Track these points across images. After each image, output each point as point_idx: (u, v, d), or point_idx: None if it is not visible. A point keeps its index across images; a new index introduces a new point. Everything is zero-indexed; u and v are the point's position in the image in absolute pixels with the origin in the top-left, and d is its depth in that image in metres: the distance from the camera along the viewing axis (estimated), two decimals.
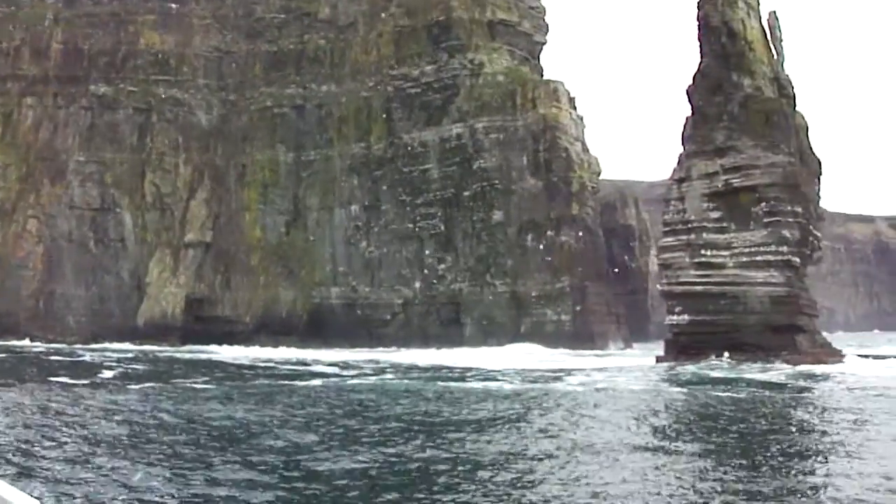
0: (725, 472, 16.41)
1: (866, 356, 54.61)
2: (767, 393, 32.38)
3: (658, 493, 14.32)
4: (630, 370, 47.23)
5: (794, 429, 23.90)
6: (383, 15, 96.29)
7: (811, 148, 57.96)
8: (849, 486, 14.99)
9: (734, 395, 31.60)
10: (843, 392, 33.54)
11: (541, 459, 17.96)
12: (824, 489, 15.01)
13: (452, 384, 38.39)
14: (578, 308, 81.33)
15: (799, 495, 14.79)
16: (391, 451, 19.23)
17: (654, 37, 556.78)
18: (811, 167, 56.98)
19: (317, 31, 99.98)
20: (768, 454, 18.93)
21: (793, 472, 17.18)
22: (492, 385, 37.29)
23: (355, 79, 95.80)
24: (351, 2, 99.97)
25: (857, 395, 32.18)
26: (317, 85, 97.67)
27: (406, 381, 40.54)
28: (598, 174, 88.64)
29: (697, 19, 58.88)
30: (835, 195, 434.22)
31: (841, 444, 20.48)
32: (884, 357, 55.09)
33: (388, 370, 49.47)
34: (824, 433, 23.18)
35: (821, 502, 14.25)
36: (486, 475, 16.22)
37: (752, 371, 43.70)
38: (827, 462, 18.26)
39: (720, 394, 31.73)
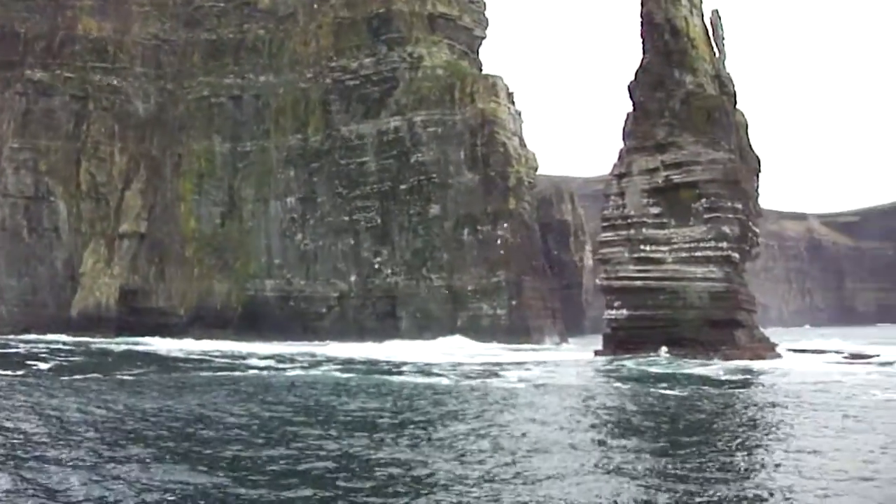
0: (666, 469, 16.20)
1: (803, 350, 55.14)
2: (707, 388, 32.12)
3: (598, 493, 14.09)
4: (569, 365, 46.88)
5: (733, 424, 23.53)
6: (323, 6, 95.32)
7: (751, 145, 58.18)
8: (787, 478, 15.14)
9: (674, 391, 31.17)
10: (781, 387, 33.38)
11: (478, 457, 17.53)
12: (765, 485, 14.95)
13: (389, 378, 37.73)
14: (514, 302, 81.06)
15: (739, 490, 14.61)
16: (331, 446, 18.97)
17: (590, 33, 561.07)
18: (750, 164, 57.16)
19: (256, 21, 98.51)
20: (708, 450, 18.66)
21: (733, 467, 16.82)
22: (429, 380, 36.66)
23: (294, 70, 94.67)
24: None
25: (795, 389, 31.98)
26: (255, 75, 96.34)
27: (342, 375, 39.70)
28: (536, 169, 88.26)
29: (640, 16, 58.60)
30: (768, 193, 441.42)
31: (780, 438, 20.48)
32: (821, 351, 55.64)
33: (323, 364, 48.60)
34: (763, 427, 22.91)
35: (761, 497, 14.12)
36: (424, 472, 15.91)
37: (691, 366, 43.46)
38: (768, 453, 18.24)
39: (661, 391, 31.26)
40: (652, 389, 31.67)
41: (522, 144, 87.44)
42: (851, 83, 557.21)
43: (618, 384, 34.57)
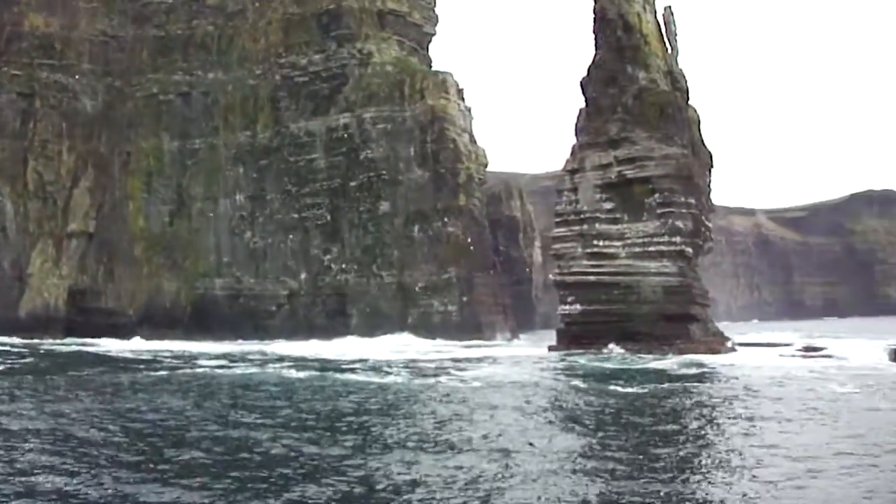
0: (625, 467, 16.06)
1: (756, 344, 55.24)
2: (663, 385, 31.97)
3: (555, 494, 13.91)
4: (522, 361, 46.58)
5: (692, 420, 23.72)
6: (273, 2, 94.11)
7: (702, 141, 58.29)
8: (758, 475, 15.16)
9: (632, 388, 30.89)
10: (739, 381, 33.67)
11: (428, 456, 17.37)
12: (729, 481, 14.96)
13: (340, 377, 37.08)
14: (465, 299, 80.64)
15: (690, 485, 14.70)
16: (278, 445, 18.90)
17: (539, 30, 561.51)
18: (703, 159, 57.29)
19: (205, 17, 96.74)
20: (666, 447, 18.60)
21: (699, 463, 16.99)
22: (381, 379, 35.99)
23: (243, 66, 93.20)
24: None
25: (753, 383, 32.43)
26: (203, 72, 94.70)
27: (293, 374, 39.11)
28: (485, 166, 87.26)
29: (593, 12, 58.76)
30: (716, 188, 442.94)
31: (745, 433, 20.45)
32: (774, 345, 55.78)
33: (272, 363, 48.06)
34: (724, 422, 23.05)
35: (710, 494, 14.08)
36: (375, 466, 15.94)
37: (645, 361, 43.76)
38: (733, 450, 18.24)
39: (618, 387, 30.96)
40: (609, 387, 31.26)
41: (472, 141, 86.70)
42: (799, 80, 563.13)
43: (573, 381, 34.23)
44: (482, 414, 23.92)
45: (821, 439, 19.26)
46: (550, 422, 22.59)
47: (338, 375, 37.42)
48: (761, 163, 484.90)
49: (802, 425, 21.67)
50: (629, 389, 30.25)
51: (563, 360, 46.64)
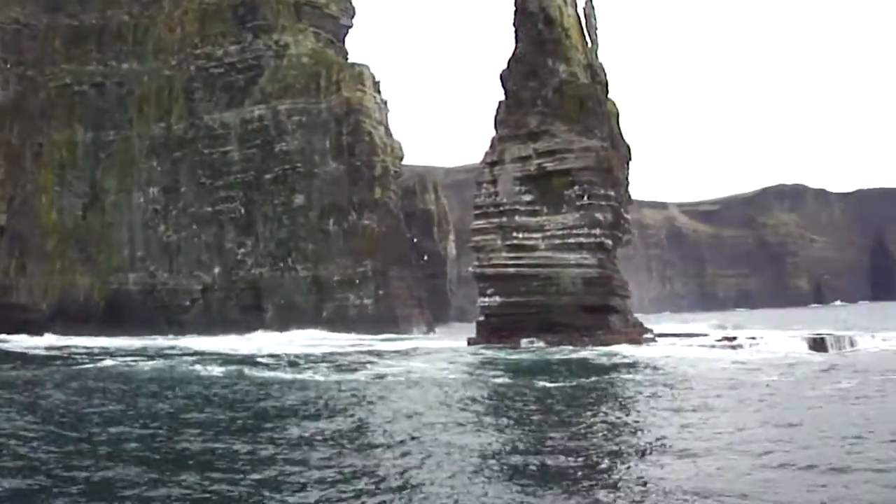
0: (547, 462, 15.64)
1: (676, 335, 55.14)
2: (586, 379, 30.91)
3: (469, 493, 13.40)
4: (440, 355, 45.61)
5: (613, 412, 23.04)
6: None
7: (621, 134, 58.18)
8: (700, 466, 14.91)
9: (552, 382, 29.83)
10: (658, 372, 33.18)
11: (344, 455, 16.71)
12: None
13: (256, 373, 35.78)
14: (381, 292, 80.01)
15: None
16: (195, 444, 18.36)
17: (455, 24, 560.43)
18: (621, 153, 57.04)
19: (120, 7, 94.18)
20: (589, 439, 18.31)
21: (617, 454, 16.59)
22: (298, 375, 34.72)
23: (158, 57, 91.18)
24: None
25: (674, 373, 32.05)
26: (118, 62, 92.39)
27: (207, 370, 37.69)
28: (401, 159, 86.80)
29: (515, 5, 58.06)
30: (630, 182, 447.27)
31: (684, 425, 19.97)
32: (692, 335, 55.72)
33: (187, 357, 46.98)
34: (647, 412, 22.61)
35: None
36: (290, 469, 15.32)
37: (565, 353, 43.15)
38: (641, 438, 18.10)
39: (539, 382, 29.78)
40: (531, 381, 30.23)
41: (388, 134, 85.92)
42: (713, 75, 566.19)
43: (493, 376, 33.30)
44: (401, 412, 23.11)
45: (757, 428, 19.13)
46: (470, 419, 21.62)
47: (253, 372, 36.19)
48: (674, 157, 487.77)
49: (736, 414, 21.42)
50: (552, 384, 29.22)
51: (482, 353, 45.81)
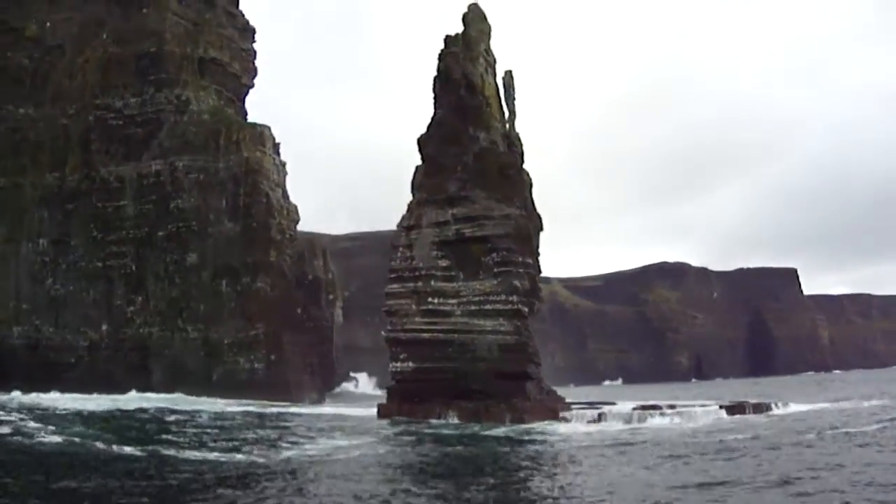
0: None
1: (590, 404, 54.07)
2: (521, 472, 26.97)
3: None
4: (354, 430, 41.77)
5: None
6: (93, 41, 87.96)
7: (534, 204, 57.65)
8: None
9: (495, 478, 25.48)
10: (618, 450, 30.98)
11: None
12: None
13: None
14: (273, 357, 77.55)
15: None
16: None
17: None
18: (534, 222, 56.59)
19: (21, 50, 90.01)
20: None
21: None
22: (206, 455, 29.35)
23: (56, 104, 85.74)
24: (62, 22, 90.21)
25: (646, 451, 30.31)
26: (14, 106, 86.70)
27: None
28: (297, 222, 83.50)
29: (437, 70, 57.03)
30: None
31: None
32: (603, 403, 54.48)
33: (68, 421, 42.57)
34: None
35: None
36: None
37: (487, 429, 41.55)
38: None
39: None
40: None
41: (285, 196, 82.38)
42: (602, 150, 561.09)
43: (413, 457, 29.97)
44: None
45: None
46: None
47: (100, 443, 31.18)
48: (558, 233, 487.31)
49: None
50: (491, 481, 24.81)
51: (397, 435, 40.81)
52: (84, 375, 78.62)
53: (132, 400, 64.33)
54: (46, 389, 72.04)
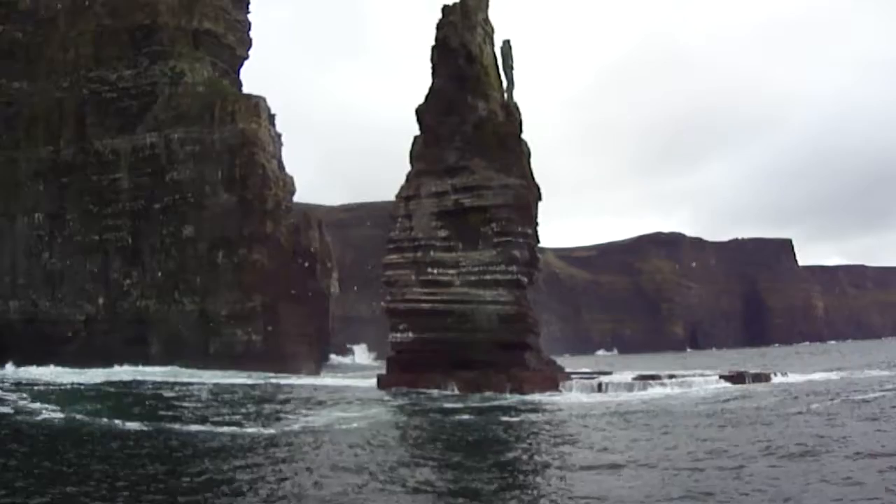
0: None
1: (587, 374, 54.23)
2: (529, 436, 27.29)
3: None
4: (356, 401, 41.21)
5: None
6: (86, 13, 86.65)
7: (532, 174, 57.39)
8: None
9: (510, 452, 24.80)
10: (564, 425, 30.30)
11: None
12: None
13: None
14: (270, 329, 77.48)
15: None
16: None
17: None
18: (533, 192, 56.34)
19: (13, 23, 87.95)
20: None
21: None
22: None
23: (49, 78, 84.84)
24: None
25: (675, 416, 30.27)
26: (7, 81, 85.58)
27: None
28: (293, 194, 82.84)
29: (435, 40, 56.17)
30: None
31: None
32: (601, 373, 55.09)
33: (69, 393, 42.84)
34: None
35: None
36: None
37: (488, 400, 40.98)
38: None
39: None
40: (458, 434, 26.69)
41: (281, 168, 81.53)
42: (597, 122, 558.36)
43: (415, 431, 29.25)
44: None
45: None
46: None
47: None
48: (552, 204, 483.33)
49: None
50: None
51: (399, 405, 39.79)
52: (81, 349, 78.50)
53: (127, 373, 64.39)
54: (44, 363, 71.93)
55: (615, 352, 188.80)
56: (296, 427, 29.33)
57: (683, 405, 34.47)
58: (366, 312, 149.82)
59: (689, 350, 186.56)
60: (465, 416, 33.17)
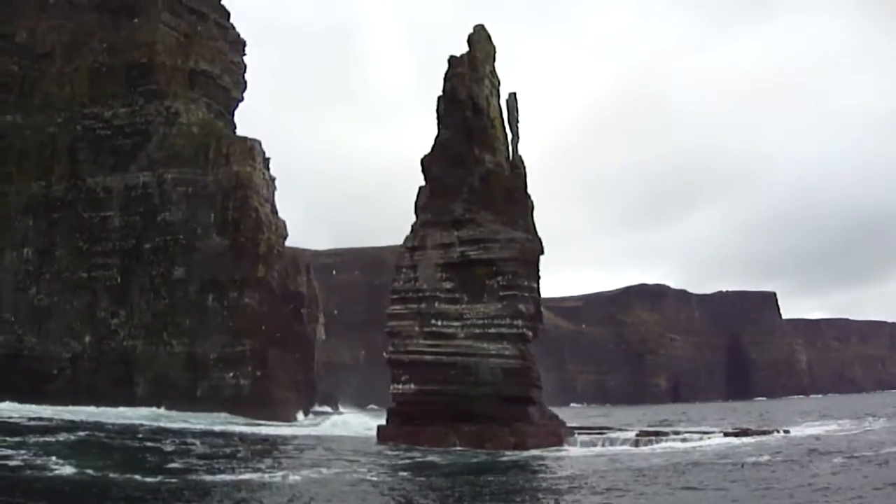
0: None
1: (588, 429, 54.24)
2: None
3: None
4: (355, 454, 41.02)
5: None
6: (83, 49, 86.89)
7: (535, 228, 57.86)
8: None
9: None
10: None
11: None
12: None
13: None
14: (259, 373, 77.05)
15: None
16: None
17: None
18: (537, 246, 56.76)
19: (10, 56, 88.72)
20: None
21: None
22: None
23: (44, 112, 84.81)
24: (52, 30, 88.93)
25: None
26: (1, 113, 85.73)
27: None
28: (285, 238, 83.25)
29: (443, 91, 56.55)
30: None
31: None
32: (607, 428, 55.64)
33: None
34: None
35: None
36: None
37: (495, 457, 40.91)
38: None
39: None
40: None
41: (274, 212, 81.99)
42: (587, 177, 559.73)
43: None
44: None
45: None
46: None
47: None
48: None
49: None
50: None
51: (400, 462, 38.92)
52: (67, 387, 77.79)
53: (114, 415, 63.96)
54: (28, 400, 71.10)
55: (588, 404, 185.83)
56: (296, 479, 29.48)
57: (695, 460, 34.50)
58: (349, 360, 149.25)
59: (671, 403, 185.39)
60: (472, 476, 32.79)
